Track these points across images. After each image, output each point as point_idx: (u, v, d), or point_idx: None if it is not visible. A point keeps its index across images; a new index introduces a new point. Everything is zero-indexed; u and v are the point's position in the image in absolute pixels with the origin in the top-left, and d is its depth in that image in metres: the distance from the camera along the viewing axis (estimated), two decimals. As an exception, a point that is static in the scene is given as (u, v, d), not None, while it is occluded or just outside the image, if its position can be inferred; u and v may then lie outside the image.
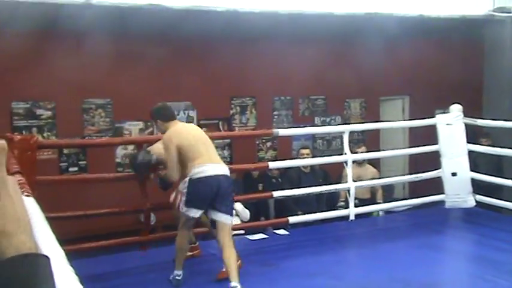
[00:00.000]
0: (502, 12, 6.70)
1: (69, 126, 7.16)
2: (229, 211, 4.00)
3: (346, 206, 6.21)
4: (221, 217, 3.93)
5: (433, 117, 6.21)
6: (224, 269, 3.93)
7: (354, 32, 7.98)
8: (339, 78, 8.97)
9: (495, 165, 6.52)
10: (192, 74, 7.88)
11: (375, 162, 8.83)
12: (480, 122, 6.07)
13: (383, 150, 8.51)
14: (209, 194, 3.89)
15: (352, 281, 4.18)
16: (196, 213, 3.97)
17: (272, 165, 5.94)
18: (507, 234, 5.04)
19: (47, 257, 0.88)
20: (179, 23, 6.33)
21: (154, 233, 5.79)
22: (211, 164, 3.95)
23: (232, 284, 3.65)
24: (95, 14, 5.11)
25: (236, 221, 6.08)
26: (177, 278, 4.07)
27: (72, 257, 1.42)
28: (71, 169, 7.28)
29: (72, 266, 1.30)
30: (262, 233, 5.29)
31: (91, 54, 6.86)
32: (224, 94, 8.33)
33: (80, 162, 7.34)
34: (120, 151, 7.60)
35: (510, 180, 5.61)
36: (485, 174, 5.86)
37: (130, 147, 7.53)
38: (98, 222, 6.03)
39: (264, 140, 8.77)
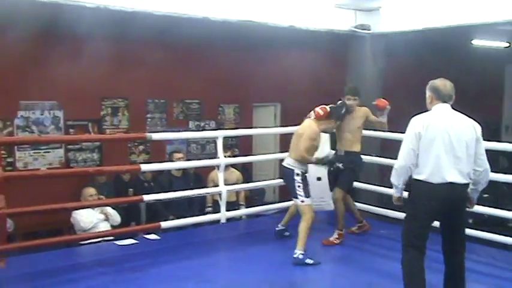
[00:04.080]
0: (362, 29, 7.26)
1: None
2: (295, 194, 4.96)
3: (215, 211, 6.27)
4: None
5: (302, 124, 6.49)
6: (331, 238, 5.28)
7: (228, 39, 8.12)
8: (213, 83, 9.06)
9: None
10: (60, 72, 7.45)
11: (248, 167, 9.05)
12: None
13: (255, 154, 8.76)
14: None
15: (223, 284, 4.24)
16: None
17: (145, 167, 5.82)
18: (369, 235, 5.55)
19: None
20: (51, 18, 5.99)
21: (13, 241, 5.38)
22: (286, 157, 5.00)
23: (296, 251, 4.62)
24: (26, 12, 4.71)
25: (106, 225, 5.88)
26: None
27: None
28: None
29: None
30: (132, 238, 5.15)
31: None
32: (94, 95, 8.01)
33: None
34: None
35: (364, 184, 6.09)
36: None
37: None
38: None
39: (136, 143, 8.57)
